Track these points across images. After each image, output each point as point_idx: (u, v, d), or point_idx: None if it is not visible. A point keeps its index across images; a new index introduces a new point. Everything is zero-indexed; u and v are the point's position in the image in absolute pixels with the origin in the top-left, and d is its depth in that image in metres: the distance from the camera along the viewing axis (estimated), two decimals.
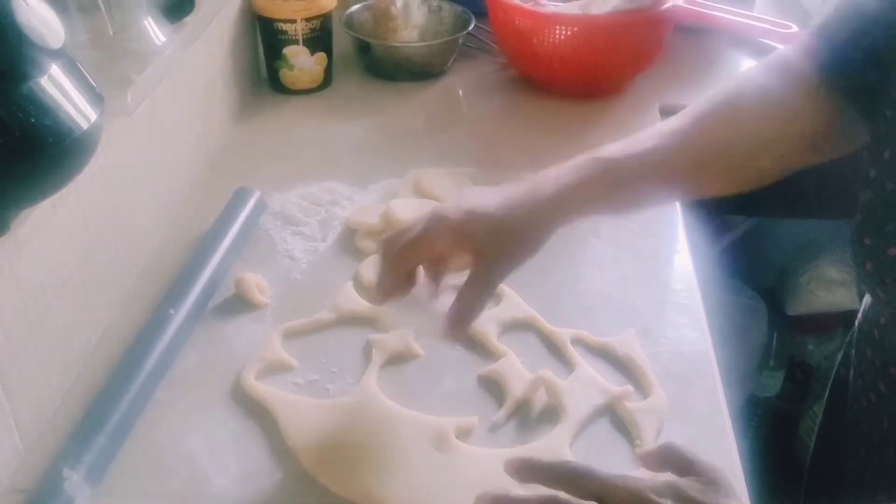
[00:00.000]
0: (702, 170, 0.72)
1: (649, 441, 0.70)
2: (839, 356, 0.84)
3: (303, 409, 0.72)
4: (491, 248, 0.65)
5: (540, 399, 0.74)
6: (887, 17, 0.64)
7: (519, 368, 0.76)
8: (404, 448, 0.68)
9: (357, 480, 0.66)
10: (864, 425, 0.72)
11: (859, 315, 0.77)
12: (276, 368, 0.77)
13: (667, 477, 0.57)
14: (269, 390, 0.74)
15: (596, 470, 0.55)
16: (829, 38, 0.70)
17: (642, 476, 0.57)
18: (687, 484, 0.55)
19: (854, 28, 0.67)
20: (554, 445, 0.69)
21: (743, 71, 0.75)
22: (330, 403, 0.73)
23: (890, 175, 0.62)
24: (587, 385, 0.74)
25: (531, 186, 0.68)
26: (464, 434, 0.71)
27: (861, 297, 0.77)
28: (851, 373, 0.75)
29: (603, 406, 0.73)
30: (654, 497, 0.53)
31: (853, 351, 0.76)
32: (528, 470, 0.57)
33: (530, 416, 0.73)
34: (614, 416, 0.73)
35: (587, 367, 0.76)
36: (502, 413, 0.73)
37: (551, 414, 0.73)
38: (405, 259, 0.67)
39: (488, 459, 0.68)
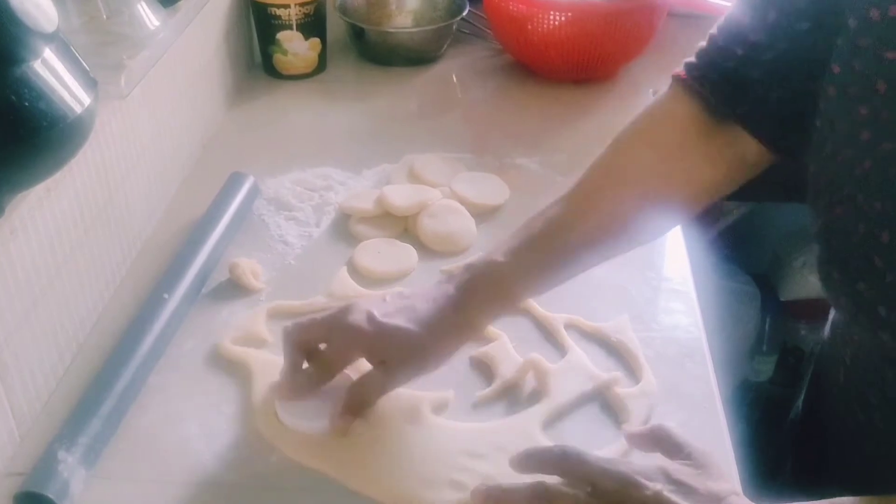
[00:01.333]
0: (604, 238, 0.72)
1: (638, 425, 0.70)
2: (809, 373, 0.83)
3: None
4: (396, 361, 0.67)
5: (530, 383, 0.75)
6: (791, 25, 0.63)
7: (510, 352, 0.76)
8: (377, 420, 0.69)
9: (324, 452, 0.67)
10: (843, 448, 0.72)
11: (826, 332, 0.76)
12: (251, 340, 0.78)
13: (657, 460, 0.57)
14: (247, 351, 0.76)
15: (586, 454, 0.56)
16: (722, 63, 0.69)
17: (633, 460, 0.57)
18: (677, 467, 0.55)
19: (752, 43, 0.66)
20: (524, 423, 0.70)
21: (623, 133, 0.74)
22: None
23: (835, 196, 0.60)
24: (576, 370, 0.75)
25: (435, 299, 0.69)
26: (438, 408, 0.72)
27: None
28: (823, 396, 0.75)
29: (589, 392, 0.73)
30: (643, 481, 0.53)
31: (823, 372, 0.76)
32: (526, 460, 0.58)
33: (520, 398, 0.74)
34: (604, 402, 0.73)
35: (579, 353, 0.77)
36: (488, 391, 0.73)
37: (540, 397, 0.73)
38: (322, 372, 0.68)
39: (458, 433, 0.69)
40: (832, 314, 0.75)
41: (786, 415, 1.59)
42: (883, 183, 0.56)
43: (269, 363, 0.74)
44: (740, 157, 0.71)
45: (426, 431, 0.69)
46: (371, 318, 0.66)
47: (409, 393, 0.71)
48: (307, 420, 0.68)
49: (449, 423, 0.70)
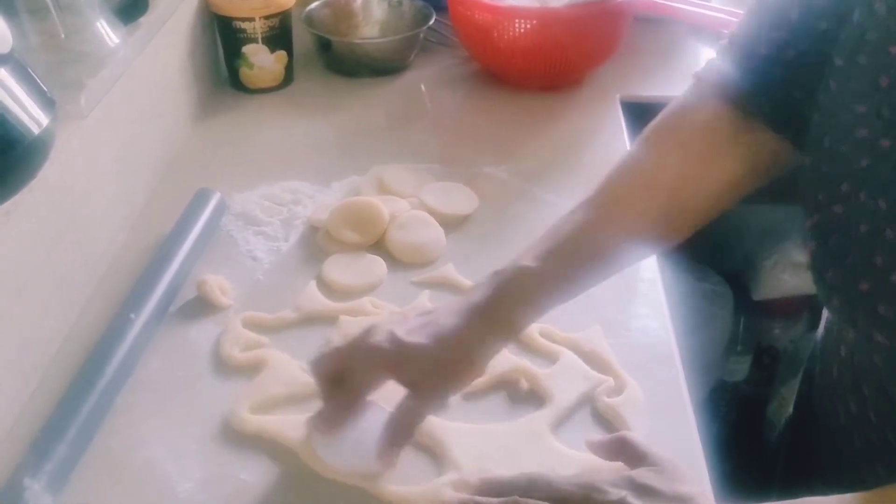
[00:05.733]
0: (633, 241, 0.71)
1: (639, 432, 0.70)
2: (801, 372, 0.83)
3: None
4: (424, 380, 0.65)
5: (524, 384, 0.76)
6: (812, 25, 0.62)
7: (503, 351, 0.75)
8: None
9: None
10: (834, 442, 0.72)
11: (820, 330, 0.76)
12: (267, 404, 0.74)
13: (622, 469, 0.58)
14: (265, 421, 0.72)
15: (550, 475, 0.58)
16: (745, 62, 0.68)
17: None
18: (642, 473, 0.56)
19: (775, 41, 0.65)
20: (532, 426, 0.70)
21: (651, 133, 0.73)
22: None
23: (835, 193, 0.58)
24: (572, 372, 0.76)
25: (459, 311, 0.66)
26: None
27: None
28: (815, 390, 0.75)
29: (585, 393, 0.74)
30: (607, 487, 0.54)
31: (816, 367, 0.76)
32: (488, 489, 0.60)
33: (517, 397, 0.75)
34: (598, 415, 0.73)
35: (571, 355, 0.77)
36: (478, 383, 0.73)
37: (536, 398, 0.74)
38: (349, 399, 0.67)
39: (467, 433, 0.70)
40: (826, 311, 0.75)
41: (762, 414, 1.60)
42: (887, 181, 0.55)
43: (296, 425, 0.70)
44: (766, 155, 0.69)
45: (439, 433, 0.70)
46: (392, 337, 0.64)
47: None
48: (349, 459, 0.67)
49: (456, 424, 0.71)
